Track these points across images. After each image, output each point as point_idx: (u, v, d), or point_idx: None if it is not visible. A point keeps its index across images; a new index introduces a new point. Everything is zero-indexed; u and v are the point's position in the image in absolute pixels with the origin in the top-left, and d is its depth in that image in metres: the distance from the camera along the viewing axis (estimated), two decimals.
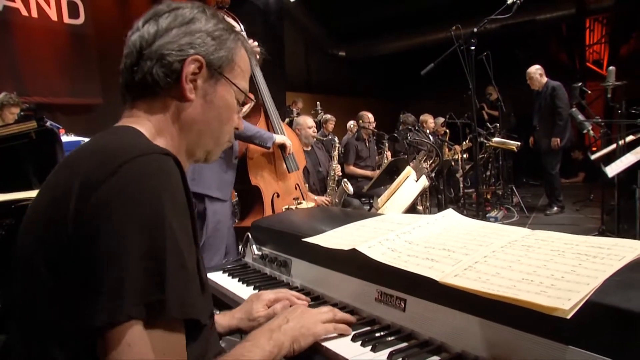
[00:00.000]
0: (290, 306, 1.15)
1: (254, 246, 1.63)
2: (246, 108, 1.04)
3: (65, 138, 3.25)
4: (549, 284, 0.79)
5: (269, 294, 1.22)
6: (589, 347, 0.70)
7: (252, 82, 3.05)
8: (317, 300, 1.25)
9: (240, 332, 1.19)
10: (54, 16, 6.60)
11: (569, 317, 0.70)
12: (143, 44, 0.87)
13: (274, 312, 1.13)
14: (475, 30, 2.88)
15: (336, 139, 5.14)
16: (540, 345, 0.76)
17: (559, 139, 5.89)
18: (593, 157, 4.08)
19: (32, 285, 0.73)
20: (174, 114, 0.90)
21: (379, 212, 2.58)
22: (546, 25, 9.95)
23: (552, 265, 0.86)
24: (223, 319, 1.20)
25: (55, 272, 0.70)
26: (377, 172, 5.32)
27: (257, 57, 3.06)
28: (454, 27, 3.37)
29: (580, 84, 4.93)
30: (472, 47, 2.92)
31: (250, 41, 3.02)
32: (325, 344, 0.97)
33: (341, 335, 1.00)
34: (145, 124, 0.89)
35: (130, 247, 0.66)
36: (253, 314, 1.17)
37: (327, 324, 0.99)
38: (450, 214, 1.28)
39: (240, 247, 1.75)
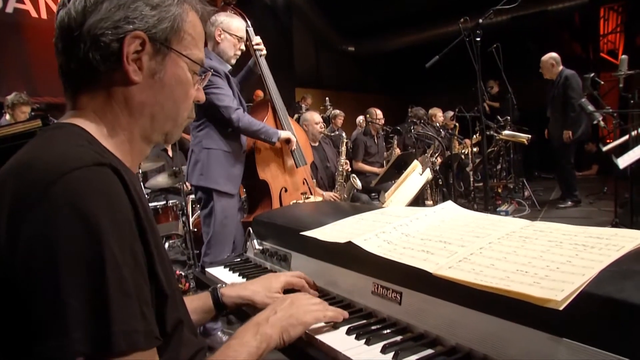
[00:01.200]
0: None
1: (255, 240, 1.63)
2: (205, 78, 0.93)
3: None
4: (543, 275, 0.77)
5: (286, 277, 1.22)
6: (583, 338, 0.68)
7: (259, 77, 3.06)
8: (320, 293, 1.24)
9: (250, 306, 1.16)
10: None
11: (561, 308, 0.68)
12: (72, 24, 0.76)
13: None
14: (480, 20, 2.83)
15: (344, 134, 5.13)
16: (535, 338, 0.74)
17: (571, 132, 5.70)
18: (605, 148, 4.00)
19: None
20: (120, 101, 0.80)
21: (384, 205, 2.56)
22: (558, 16, 9.77)
23: (548, 256, 0.83)
24: (231, 291, 1.18)
25: None
26: (384, 168, 5.31)
27: (263, 52, 3.06)
28: (461, 20, 3.33)
29: (592, 74, 4.82)
30: (478, 38, 2.87)
31: (256, 37, 3.03)
32: (319, 336, 0.96)
33: (335, 328, 0.99)
34: (90, 120, 0.80)
35: (68, 282, 0.61)
36: (272, 291, 1.16)
37: (317, 312, 0.98)
38: (449, 205, 1.26)
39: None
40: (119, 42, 0.76)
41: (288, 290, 1.20)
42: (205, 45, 2.83)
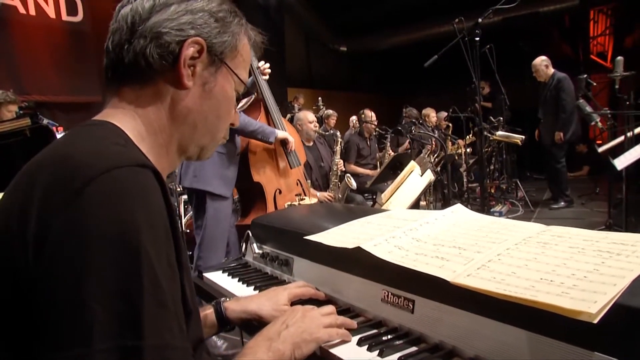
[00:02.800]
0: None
1: (255, 244, 1.58)
2: (244, 102, 0.92)
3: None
4: (570, 285, 0.73)
5: (292, 289, 1.17)
6: (616, 354, 0.64)
7: (252, 76, 2.99)
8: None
9: (256, 321, 1.11)
10: (52, 14, 6.53)
11: (596, 321, 0.64)
12: (137, 19, 0.76)
13: None
14: (480, 20, 2.80)
15: (338, 133, 5.07)
16: (562, 351, 0.70)
17: (562, 133, 5.76)
18: (600, 149, 4.00)
19: None
20: (167, 103, 0.79)
21: (383, 207, 2.52)
22: (549, 17, 9.82)
23: (573, 264, 0.80)
24: (236, 305, 1.13)
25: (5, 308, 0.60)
26: (378, 170, 5.27)
27: (266, 77, 3.00)
28: (456, 20, 3.30)
29: (585, 75, 4.84)
30: (477, 38, 2.84)
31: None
32: (329, 348, 0.91)
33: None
34: (129, 118, 0.77)
35: (100, 286, 0.56)
36: (280, 305, 1.11)
37: (331, 328, 0.93)
38: (459, 209, 1.22)
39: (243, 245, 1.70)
40: (180, 44, 0.76)
41: (295, 302, 1.15)
42: None
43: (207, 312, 1.12)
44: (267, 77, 2.97)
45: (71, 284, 0.56)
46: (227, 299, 1.17)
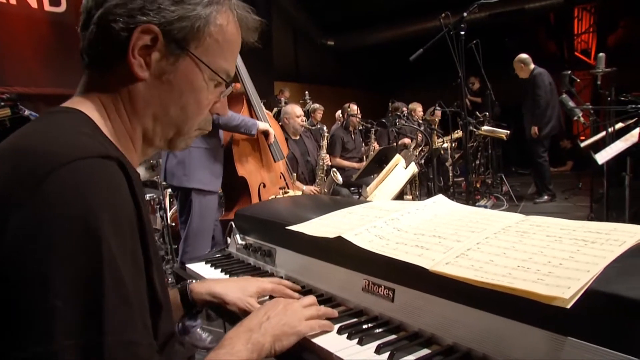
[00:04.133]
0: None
1: (238, 235, 1.57)
2: (227, 91, 0.85)
3: None
4: (546, 272, 0.74)
5: (265, 283, 1.13)
6: (589, 338, 0.65)
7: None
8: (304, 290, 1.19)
9: (218, 306, 1.08)
10: (33, 4, 6.39)
11: (569, 306, 0.65)
12: (92, 5, 0.71)
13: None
14: (465, 14, 2.81)
15: (325, 128, 5.06)
16: (537, 337, 0.71)
17: (536, 128, 5.86)
18: (583, 144, 4.06)
19: None
20: (125, 94, 0.74)
21: (368, 199, 2.52)
22: (535, 14, 9.90)
23: (549, 252, 0.81)
24: (201, 287, 1.10)
25: None
26: (364, 162, 5.28)
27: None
28: (442, 15, 3.31)
29: (569, 71, 4.89)
30: (462, 32, 2.85)
31: None
32: (309, 337, 0.91)
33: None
34: (97, 106, 0.74)
35: (61, 282, 0.54)
36: (246, 294, 1.08)
37: (312, 320, 0.92)
38: (440, 199, 1.23)
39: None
40: (129, 32, 0.70)
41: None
42: None
43: (173, 294, 1.09)
44: None
45: (31, 281, 0.54)
46: (194, 281, 1.14)
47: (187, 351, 0.83)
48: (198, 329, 2.75)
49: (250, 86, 3.00)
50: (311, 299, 1.01)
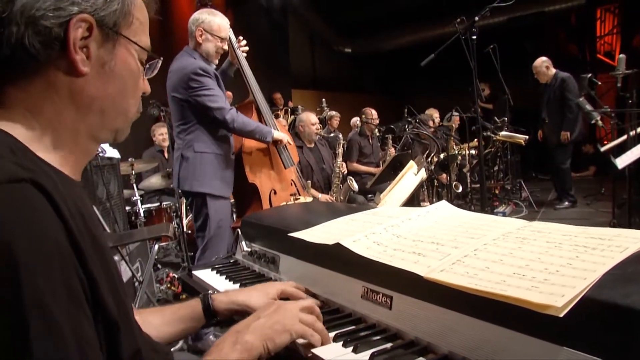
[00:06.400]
0: None
1: (244, 242, 1.58)
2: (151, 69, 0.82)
3: None
4: (541, 279, 0.72)
5: (283, 285, 1.14)
6: (584, 348, 0.63)
7: (242, 79, 3.00)
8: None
9: (245, 312, 1.08)
10: None
11: (561, 315, 0.63)
12: (2, 2, 0.62)
13: None
14: (476, 18, 2.78)
15: (341, 135, 5.06)
16: (533, 346, 0.69)
17: (568, 133, 5.73)
18: (603, 149, 3.96)
19: None
20: (64, 95, 0.68)
21: (379, 206, 2.51)
22: (555, 17, 9.75)
23: (547, 259, 0.78)
24: (224, 297, 1.10)
25: None
26: (380, 168, 5.26)
27: (245, 54, 3.00)
28: (458, 20, 3.28)
29: (589, 75, 4.79)
30: (474, 36, 2.82)
31: (241, 40, 2.96)
32: (303, 342, 0.91)
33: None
34: (19, 119, 0.66)
35: None
36: (269, 297, 1.09)
37: (306, 328, 0.88)
38: (443, 205, 1.21)
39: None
40: (63, 26, 0.64)
41: (284, 299, 1.12)
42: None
43: (194, 304, 1.09)
44: (245, 48, 2.97)
45: None
46: (215, 292, 1.15)
47: (164, 356, 0.82)
48: (210, 336, 2.75)
49: (259, 95, 3.01)
50: (310, 302, 0.99)
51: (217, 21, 2.74)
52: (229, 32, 2.82)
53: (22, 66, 0.65)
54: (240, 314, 1.08)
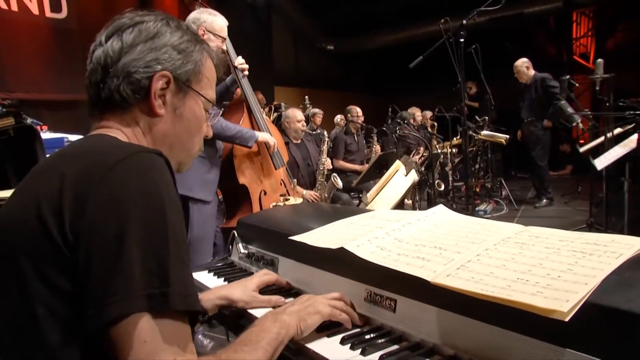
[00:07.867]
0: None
1: (240, 244, 1.59)
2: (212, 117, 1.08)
3: (47, 135, 3.14)
4: (545, 284, 0.75)
5: (258, 277, 1.26)
6: (587, 350, 0.67)
7: (234, 78, 2.97)
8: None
9: (228, 305, 1.20)
10: (35, 10, 6.42)
11: (567, 319, 0.67)
12: (108, 61, 0.87)
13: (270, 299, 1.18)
14: (464, 22, 2.84)
15: (325, 132, 5.08)
16: (537, 348, 0.72)
17: (551, 123, 5.95)
18: (582, 149, 4.08)
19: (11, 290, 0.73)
20: (144, 128, 0.91)
21: (369, 207, 2.54)
22: (534, 19, 9.94)
23: (548, 264, 0.82)
24: (209, 293, 1.21)
25: (47, 273, 0.71)
26: (366, 166, 5.30)
27: (245, 73, 2.95)
28: (442, 20, 3.33)
29: (568, 76, 4.92)
30: (462, 40, 2.88)
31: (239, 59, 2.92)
32: (311, 345, 0.93)
33: (329, 336, 0.97)
34: (120, 134, 0.88)
35: (134, 241, 0.68)
36: (249, 290, 1.21)
37: (335, 310, 0.99)
38: (441, 209, 1.25)
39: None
40: (149, 79, 0.87)
41: (265, 290, 1.25)
42: None
43: None
44: (246, 73, 2.94)
45: (108, 245, 0.68)
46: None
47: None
48: (199, 335, 2.75)
49: (250, 94, 3.00)
50: (338, 293, 1.06)
51: (218, 21, 2.70)
52: (226, 33, 2.79)
53: (116, 104, 0.88)
54: (225, 308, 1.21)
